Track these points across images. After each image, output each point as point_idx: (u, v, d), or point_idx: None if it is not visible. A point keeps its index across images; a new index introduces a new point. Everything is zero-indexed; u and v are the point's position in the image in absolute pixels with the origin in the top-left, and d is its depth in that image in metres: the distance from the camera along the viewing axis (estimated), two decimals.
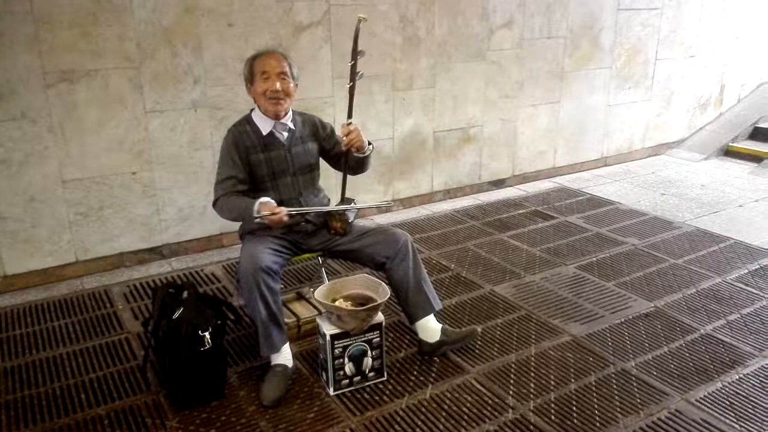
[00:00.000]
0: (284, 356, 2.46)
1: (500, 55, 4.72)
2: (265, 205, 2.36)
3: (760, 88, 6.68)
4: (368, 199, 4.35)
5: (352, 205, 2.62)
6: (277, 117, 2.57)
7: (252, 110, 2.63)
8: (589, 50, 5.22)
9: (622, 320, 2.99)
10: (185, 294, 2.41)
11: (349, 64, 2.53)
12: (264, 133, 2.57)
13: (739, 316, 3.04)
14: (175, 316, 2.29)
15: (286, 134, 2.61)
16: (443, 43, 4.41)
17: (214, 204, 2.54)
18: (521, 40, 4.78)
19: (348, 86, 2.56)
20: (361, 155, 2.63)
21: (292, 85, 2.54)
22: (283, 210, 2.34)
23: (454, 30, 4.43)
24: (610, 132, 5.68)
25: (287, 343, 2.48)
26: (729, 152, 6.10)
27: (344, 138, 2.54)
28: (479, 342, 2.78)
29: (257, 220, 2.34)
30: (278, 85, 2.49)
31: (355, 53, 2.51)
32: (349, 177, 2.71)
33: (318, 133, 2.71)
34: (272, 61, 2.51)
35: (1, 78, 3.04)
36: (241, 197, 2.48)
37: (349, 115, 2.57)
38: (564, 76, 5.13)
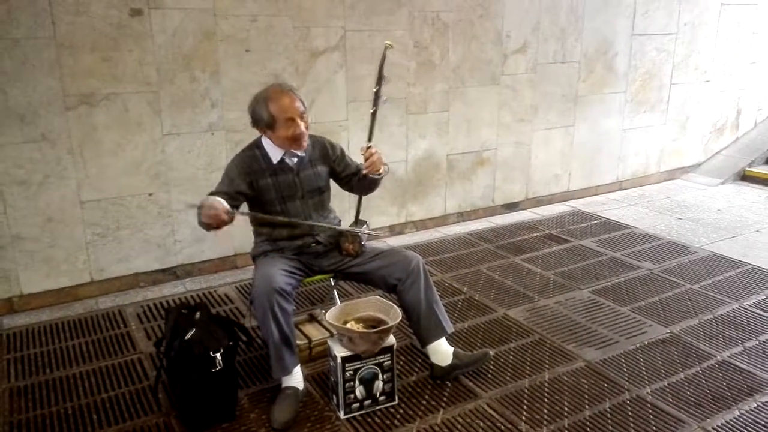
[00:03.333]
0: (295, 378, 2.46)
1: (514, 79, 4.74)
2: (214, 201, 2.25)
3: None
4: (381, 221, 4.36)
5: (367, 232, 2.64)
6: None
7: (261, 136, 2.62)
8: (604, 75, 5.23)
9: (638, 346, 2.95)
10: (198, 315, 2.42)
11: (374, 90, 2.54)
12: (274, 161, 2.57)
13: (756, 342, 2.99)
14: (187, 336, 2.30)
15: (295, 159, 2.61)
16: (457, 68, 4.45)
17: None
18: (535, 64, 4.81)
19: (371, 111, 2.57)
20: (377, 177, 2.65)
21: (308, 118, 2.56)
22: (223, 208, 2.23)
23: (469, 55, 4.47)
24: (625, 156, 5.66)
25: (298, 366, 2.48)
26: (745, 177, 6.05)
27: (365, 161, 2.55)
28: (492, 366, 2.76)
29: (191, 206, 2.27)
30: (302, 127, 2.50)
31: (380, 79, 2.52)
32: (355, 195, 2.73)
33: (328, 156, 2.71)
34: (291, 103, 2.48)
35: (23, 101, 3.11)
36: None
37: (369, 139, 2.59)
38: (578, 100, 5.15)
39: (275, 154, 2.58)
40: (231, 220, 2.28)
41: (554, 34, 4.84)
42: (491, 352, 2.75)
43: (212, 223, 2.27)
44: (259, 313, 2.37)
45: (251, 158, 2.58)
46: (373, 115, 2.58)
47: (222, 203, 2.26)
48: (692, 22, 5.62)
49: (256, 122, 2.55)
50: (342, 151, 2.77)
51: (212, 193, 2.43)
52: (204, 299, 3.46)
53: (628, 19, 5.20)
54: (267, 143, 2.59)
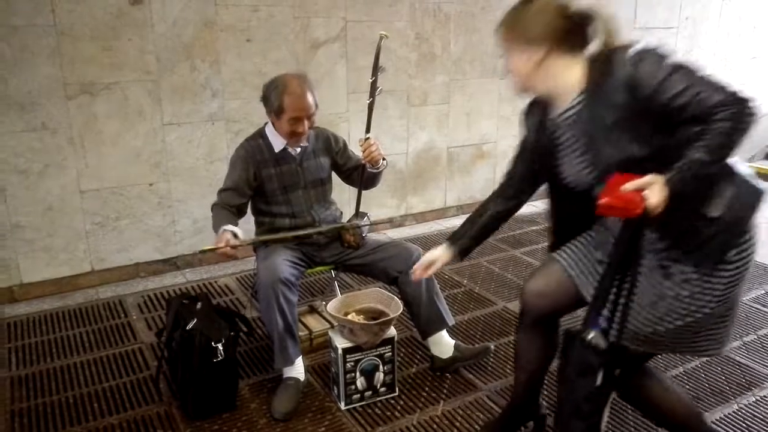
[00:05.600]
0: (297, 369, 2.47)
1: None
2: (220, 235, 2.33)
3: None
4: (381, 213, 4.36)
5: (366, 224, 2.64)
6: None
7: (266, 124, 2.63)
8: None
9: None
10: (199, 305, 2.42)
11: (370, 80, 2.54)
12: (276, 150, 2.58)
13: (755, 337, 3.00)
14: (189, 326, 2.30)
15: (298, 149, 2.62)
16: (458, 60, 4.44)
17: (212, 208, 2.57)
18: None
19: (368, 102, 2.57)
20: (375, 170, 2.65)
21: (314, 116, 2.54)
22: (231, 242, 2.29)
23: (470, 47, 4.45)
24: None
25: (300, 356, 2.49)
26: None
27: (363, 152, 2.56)
28: (492, 359, 2.76)
29: (205, 251, 2.34)
30: (306, 126, 2.49)
31: (376, 70, 2.52)
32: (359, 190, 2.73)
33: (331, 148, 2.72)
34: (305, 104, 2.45)
35: (23, 89, 3.09)
36: (224, 214, 2.47)
37: (368, 130, 2.59)
38: None
39: (278, 143, 2.58)
40: (236, 249, 2.32)
41: None
42: (492, 346, 2.75)
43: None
44: (263, 303, 2.37)
45: (255, 148, 2.58)
46: (370, 106, 2.58)
47: (225, 242, 2.28)
48: (693, 17, 5.60)
49: (266, 103, 2.53)
50: (345, 144, 2.78)
51: (229, 188, 2.53)
52: (204, 290, 3.46)
53: (629, 12, 5.18)
54: (270, 131, 2.60)
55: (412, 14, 4.14)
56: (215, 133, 3.64)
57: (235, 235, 2.34)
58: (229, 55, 3.57)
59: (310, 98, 2.47)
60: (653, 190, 1.45)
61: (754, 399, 2.51)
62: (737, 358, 2.80)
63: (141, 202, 3.52)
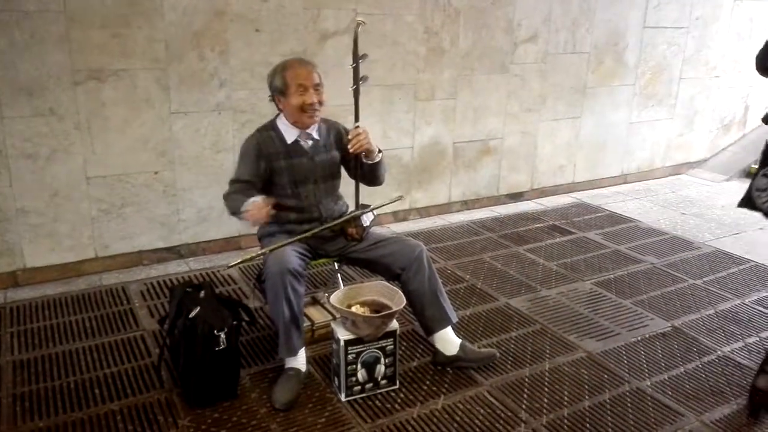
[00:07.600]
0: (299, 360, 2.47)
1: (523, 68, 4.72)
2: (253, 203, 2.34)
3: None
4: (384, 206, 4.35)
5: (366, 211, 2.61)
6: (305, 127, 2.57)
7: (277, 116, 2.62)
8: (613, 67, 5.20)
9: (639, 338, 2.96)
10: (202, 293, 2.43)
11: (351, 66, 2.54)
12: (288, 142, 2.57)
13: (757, 339, 3.00)
14: (192, 314, 2.31)
15: (310, 143, 2.60)
16: (467, 55, 4.42)
17: (225, 197, 2.55)
18: (545, 54, 4.78)
19: (352, 89, 2.56)
20: (370, 161, 2.62)
21: (324, 94, 2.54)
22: (266, 209, 2.33)
23: (479, 42, 4.44)
24: (631, 149, 5.64)
25: (303, 347, 2.49)
26: (751, 174, 6.02)
27: (350, 140, 2.53)
28: None
29: (240, 217, 2.38)
30: (315, 98, 2.49)
31: (356, 56, 2.53)
32: (366, 186, 2.73)
33: (341, 141, 2.69)
34: (307, 73, 2.49)
35: (32, 74, 3.10)
36: (243, 196, 2.45)
37: (356, 119, 2.58)
38: (586, 91, 5.12)
39: (290, 134, 2.57)
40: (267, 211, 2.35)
41: (565, 25, 4.80)
42: (497, 354, 2.71)
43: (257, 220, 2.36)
44: (271, 293, 2.37)
45: (266, 139, 2.56)
46: (355, 93, 2.57)
47: (263, 206, 2.33)
48: (704, 17, 5.57)
49: (272, 91, 2.55)
50: None
51: (244, 180, 2.51)
52: (207, 279, 3.47)
53: (640, 11, 5.16)
54: (282, 123, 2.58)
55: (422, 8, 4.13)
56: (222, 122, 3.64)
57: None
58: (237, 45, 3.57)
59: (311, 68, 2.52)
60: None
61: None
62: (738, 359, 2.80)
63: (146, 190, 3.53)
